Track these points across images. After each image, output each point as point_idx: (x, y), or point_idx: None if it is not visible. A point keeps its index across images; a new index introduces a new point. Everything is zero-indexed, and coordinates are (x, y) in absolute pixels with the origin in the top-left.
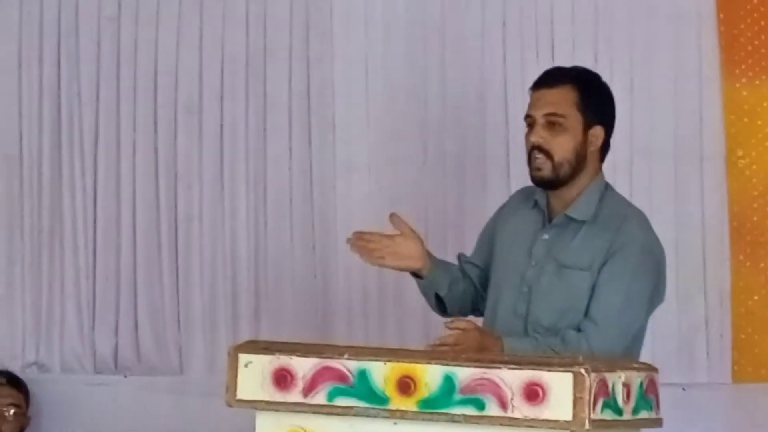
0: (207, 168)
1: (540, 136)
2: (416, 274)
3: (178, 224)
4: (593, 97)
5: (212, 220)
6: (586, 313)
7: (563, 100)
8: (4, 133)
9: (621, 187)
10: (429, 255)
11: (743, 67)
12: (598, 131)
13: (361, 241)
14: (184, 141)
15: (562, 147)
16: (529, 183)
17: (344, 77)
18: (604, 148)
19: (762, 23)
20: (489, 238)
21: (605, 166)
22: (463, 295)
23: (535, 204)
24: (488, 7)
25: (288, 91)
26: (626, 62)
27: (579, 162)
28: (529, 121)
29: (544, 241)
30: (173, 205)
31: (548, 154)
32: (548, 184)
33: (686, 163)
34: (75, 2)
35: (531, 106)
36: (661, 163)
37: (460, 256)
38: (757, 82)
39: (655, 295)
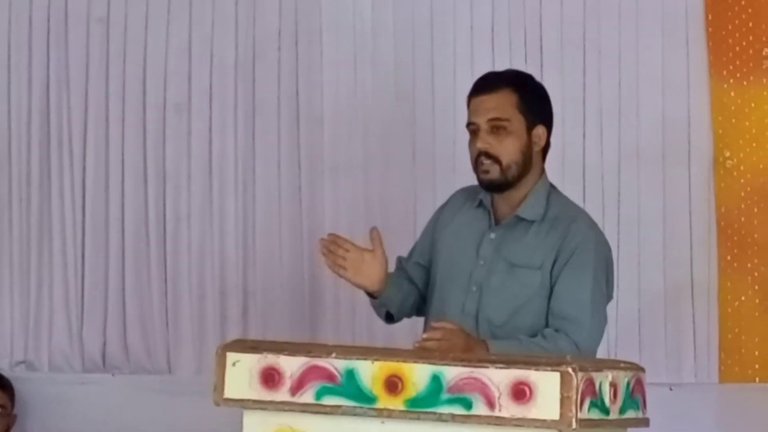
0: (196, 168)
1: (486, 142)
2: (369, 293)
3: (166, 224)
4: (532, 98)
5: (201, 221)
6: (553, 315)
7: (505, 103)
8: None
9: (609, 189)
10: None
11: (731, 68)
12: (540, 131)
13: (332, 246)
14: (173, 141)
15: (509, 150)
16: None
17: (333, 78)
18: (546, 147)
19: (750, 24)
20: (430, 238)
21: (593, 168)
22: (407, 301)
23: (480, 203)
24: (477, 8)
25: (277, 91)
26: (614, 63)
27: (526, 163)
28: (473, 128)
29: (491, 241)
30: (162, 205)
31: (496, 159)
32: (497, 187)
33: (674, 163)
34: (64, 3)
35: (473, 113)
36: (649, 163)
37: (401, 260)
38: (744, 83)
39: (609, 291)
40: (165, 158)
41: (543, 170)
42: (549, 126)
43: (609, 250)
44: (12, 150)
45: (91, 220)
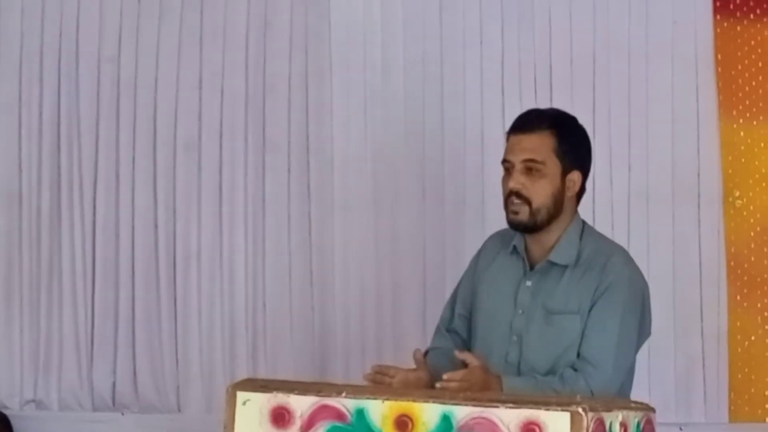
0: (206, 206)
1: (519, 182)
2: None
3: (176, 262)
4: (571, 143)
5: (211, 259)
6: (579, 354)
7: (542, 146)
8: (4, 170)
9: (619, 227)
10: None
11: (740, 107)
12: (575, 177)
13: (378, 377)
14: (183, 179)
15: (541, 193)
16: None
17: (343, 115)
18: (580, 191)
19: (759, 64)
20: (470, 287)
21: (603, 207)
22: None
23: (514, 249)
24: (487, 46)
25: (287, 129)
26: (624, 103)
27: (557, 208)
28: (507, 165)
29: (528, 288)
30: (172, 243)
31: (526, 200)
32: (525, 228)
33: (684, 203)
34: (75, 41)
35: (509, 150)
36: (659, 203)
37: (446, 326)
38: (754, 122)
39: (643, 329)
40: (175, 196)
41: (576, 212)
42: (585, 171)
43: (645, 285)
44: (22, 188)
45: (101, 258)
